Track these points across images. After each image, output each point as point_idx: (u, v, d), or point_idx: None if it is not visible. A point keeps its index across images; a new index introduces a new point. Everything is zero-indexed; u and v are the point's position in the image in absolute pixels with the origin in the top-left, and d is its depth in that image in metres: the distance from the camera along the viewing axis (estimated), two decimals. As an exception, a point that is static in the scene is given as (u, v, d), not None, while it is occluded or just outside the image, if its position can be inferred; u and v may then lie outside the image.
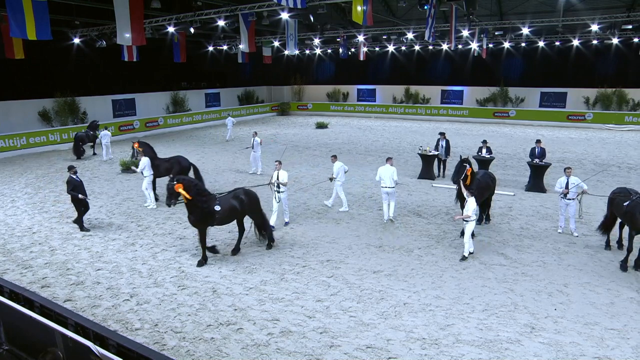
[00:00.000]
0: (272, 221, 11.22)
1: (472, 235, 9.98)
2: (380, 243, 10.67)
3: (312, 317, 7.50)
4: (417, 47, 35.06)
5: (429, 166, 16.72)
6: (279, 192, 11.36)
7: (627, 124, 29.82)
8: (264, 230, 10.22)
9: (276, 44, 31.57)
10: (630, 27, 24.41)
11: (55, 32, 16.36)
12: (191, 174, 12.96)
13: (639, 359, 6.44)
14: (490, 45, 30.39)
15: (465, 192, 9.94)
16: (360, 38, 29.72)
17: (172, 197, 9.07)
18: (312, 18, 21.23)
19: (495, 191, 12.04)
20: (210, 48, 33.57)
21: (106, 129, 21.29)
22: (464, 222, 9.68)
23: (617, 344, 6.75)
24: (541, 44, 31.04)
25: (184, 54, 24.74)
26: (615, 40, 28.01)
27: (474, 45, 30.02)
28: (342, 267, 9.37)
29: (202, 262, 9.47)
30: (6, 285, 4.36)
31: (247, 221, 10.21)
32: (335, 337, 6.94)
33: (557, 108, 32.63)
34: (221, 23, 21.76)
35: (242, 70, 39.75)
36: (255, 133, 17.84)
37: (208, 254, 9.68)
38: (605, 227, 10.18)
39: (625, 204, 9.27)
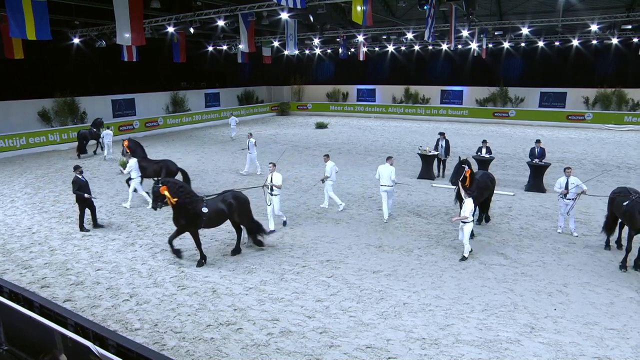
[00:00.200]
0: (272, 226, 11.22)
1: (472, 235, 9.97)
2: (380, 243, 10.67)
3: (311, 317, 7.51)
4: (416, 47, 35.07)
5: (428, 166, 16.73)
6: (272, 194, 11.16)
7: (627, 124, 29.84)
8: (254, 234, 10.04)
9: (276, 44, 31.58)
10: (629, 27, 24.41)
11: (54, 32, 16.35)
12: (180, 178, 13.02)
13: (639, 359, 6.44)
14: (490, 45, 30.40)
15: (463, 193, 9.94)
16: (360, 38, 29.72)
17: (157, 200, 9.01)
18: (311, 18, 21.22)
19: (495, 191, 12.05)
20: (210, 48, 33.58)
21: (108, 128, 21.48)
22: (462, 224, 9.63)
23: (616, 343, 6.76)
24: (541, 44, 31.05)
25: (183, 54, 24.75)
26: (614, 40, 28.02)
27: (473, 45, 30.03)
28: (341, 267, 9.37)
29: (202, 263, 9.45)
30: (6, 286, 4.36)
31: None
32: (335, 337, 6.95)
33: (557, 108, 32.64)
34: (221, 23, 21.76)
35: (241, 70, 39.76)
36: (251, 134, 17.73)
37: (207, 254, 9.68)
38: (608, 227, 10.19)
39: (624, 203, 9.28)
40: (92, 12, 22.66)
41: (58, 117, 24.89)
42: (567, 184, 10.88)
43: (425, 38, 19.45)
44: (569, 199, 10.89)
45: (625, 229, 9.69)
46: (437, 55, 36.40)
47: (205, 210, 9.13)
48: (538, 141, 15.44)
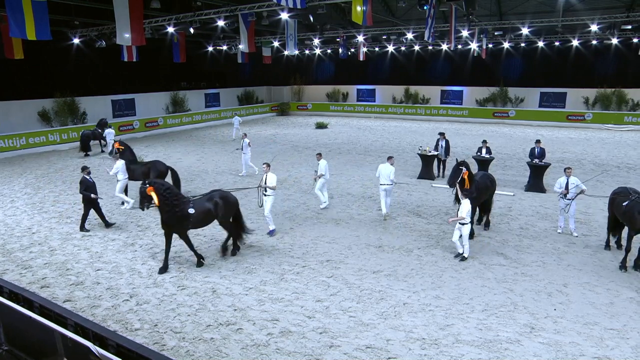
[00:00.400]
0: (271, 226, 11.19)
1: (472, 235, 9.95)
2: (380, 243, 10.67)
3: (311, 317, 7.51)
4: (416, 47, 35.08)
5: (428, 166, 16.73)
6: (265, 195, 10.97)
7: (627, 124, 29.84)
8: (239, 235, 9.87)
9: (276, 44, 31.58)
10: (629, 27, 24.43)
11: (54, 32, 16.36)
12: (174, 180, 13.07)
13: (639, 359, 6.44)
14: (490, 46, 30.41)
15: (460, 195, 9.90)
16: (360, 38, 29.73)
17: (144, 201, 8.91)
18: (311, 18, 21.23)
19: (495, 192, 12.02)
20: (210, 48, 33.59)
21: (110, 127, 21.84)
22: (459, 225, 9.54)
23: (616, 344, 6.76)
24: (541, 44, 31.06)
25: (183, 54, 24.76)
26: (614, 41, 28.03)
27: (473, 46, 30.04)
28: (341, 267, 9.37)
29: (201, 263, 9.42)
30: (6, 286, 4.36)
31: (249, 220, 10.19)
32: (334, 337, 6.95)
33: (557, 108, 32.65)
34: (221, 23, 21.77)
35: (241, 71, 39.77)
36: (245, 135, 17.71)
37: (207, 254, 9.68)
38: (612, 228, 10.17)
39: (624, 204, 9.28)
40: (92, 12, 22.68)
41: (58, 117, 24.90)
42: (567, 184, 10.88)
43: (425, 38, 19.46)
44: (569, 199, 10.89)
45: (626, 229, 9.68)
46: (437, 56, 36.41)
47: (192, 211, 9.01)
48: (538, 141, 15.44)
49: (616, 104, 30.99)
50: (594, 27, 24.85)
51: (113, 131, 21.66)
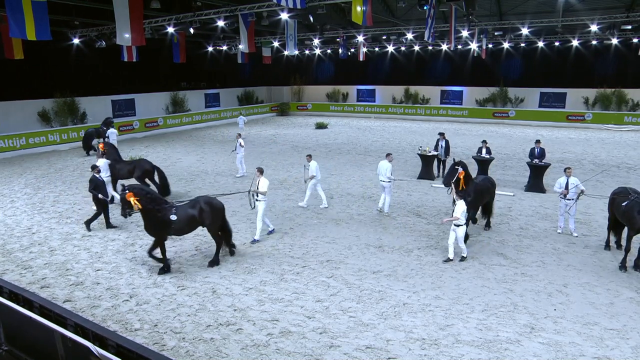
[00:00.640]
0: (270, 226, 11.07)
1: (466, 239, 9.92)
2: (380, 243, 10.67)
3: (311, 317, 7.51)
4: (416, 48, 35.08)
5: (428, 166, 16.73)
6: (257, 200, 10.62)
7: (627, 124, 29.85)
8: (225, 243, 9.62)
9: (276, 44, 31.59)
10: (629, 27, 24.43)
11: (54, 33, 16.36)
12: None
13: (639, 359, 6.44)
14: (490, 46, 30.41)
15: (455, 195, 9.86)
16: (360, 38, 29.74)
17: (126, 207, 8.77)
18: (311, 18, 21.22)
19: (495, 194, 12.00)
20: (210, 48, 33.59)
21: (112, 127, 22.05)
22: (454, 226, 9.48)
23: (616, 344, 6.76)
24: (541, 44, 31.07)
25: (183, 55, 24.76)
26: (614, 41, 28.04)
27: (473, 46, 30.05)
28: (341, 268, 9.37)
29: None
30: (5, 286, 4.36)
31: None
32: (334, 337, 6.95)
33: (557, 108, 32.66)
34: (221, 23, 21.78)
35: (241, 71, 39.76)
36: (239, 135, 17.68)
37: (207, 255, 9.67)
38: (612, 228, 10.17)
39: (623, 204, 9.28)
40: (92, 12, 22.68)
41: (58, 118, 24.91)
42: (567, 184, 10.88)
43: (425, 38, 19.46)
44: (569, 199, 10.89)
45: (626, 229, 9.68)
46: (437, 56, 36.42)
47: (173, 217, 8.79)
48: (538, 141, 15.45)
49: (616, 104, 31.00)
50: (593, 27, 24.86)
51: (116, 131, 21.81)
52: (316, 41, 31.05)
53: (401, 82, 37.71)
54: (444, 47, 33.05)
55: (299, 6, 14.87)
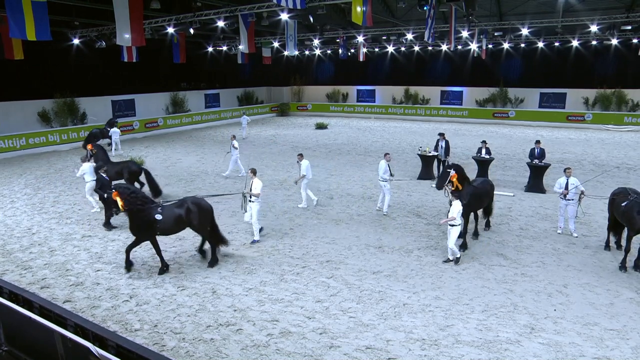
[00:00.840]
0: (256, 235, 10.71)
1: (465, 246, 9.90)
2: (380, 244, 10.67)
3: (311, 317, 7.50)
4: (416, 48, 35.09)
5: (428, 167, 16.74)
6: (251, 201, 10.51)
7: (627, 125, 29.85)
8: (212, 247, 9.47)
9: (276, 44, 31.58)
10: (629, 27, 24.44)
11: (54, 33, 16.35)
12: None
13: (639, 360, 6.45)
14: (490, 46, 30.42)
15: (450, 197, 9.84)
16: (360, 39, 29.74)
17: (112, 206, 8.79)
18: (311, 19, 21.21)
19: (495, 192, 11.99)
20: (210, 49, 33.58)
21: (115, 126, 22.42)
22: (449, 227, 9.46)
23: (616, 344, 6.76)
24: (540, 44, 31.08)
25: (183, 55, 24.77)
26: (614, 41, 28.04)
27: (473, 46, 30.05)
28: (341, 268, 9.37)
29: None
30: (5, 286, 4.36)
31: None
32: (334, 337, 6.94)
33: (557, 109, 32.66)
34: (221, 24, 21.77)
35: (241, 71, 39.75)
36: (234, 136, 17.69)
37: (207, 255, 9.65)
38: (612, 229, 10.17)
39: (623, 204, 9.28)
40: (92, 12, 22.66)
41: (58, 118, 24.90)
42: (567, 184, 10.88)
43: (425, 39, 19.46)
44: (569, 199, 10.89)
45: (626, 229, 9.68)
46: (437, 56, 36.42)
47: (158, 217, 8.75)
48: (538, 142, 15.45)
49: (616, 104, 31.00)
50: (593, 28, 24.86)
51: (118, 131, 22.31)
52: (316, 41, 31.05)
53: (401, 82, 37.72)
54: (444, 47, 33.05)
55: (298, 6, 14.87)
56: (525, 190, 15.04)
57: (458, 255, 9.58)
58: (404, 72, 37.93)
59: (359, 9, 15.15)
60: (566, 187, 10.87)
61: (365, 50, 32.07)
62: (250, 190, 10.45)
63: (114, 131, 22.01)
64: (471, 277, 8.92)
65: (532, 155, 15.13)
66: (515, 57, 33.83)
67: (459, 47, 31.37)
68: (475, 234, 10.99)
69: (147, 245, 10.60)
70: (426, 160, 16.75)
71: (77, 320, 3.73)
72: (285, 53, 31.19)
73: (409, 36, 28.70)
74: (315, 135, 28.10)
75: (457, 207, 9.35)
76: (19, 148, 22.11)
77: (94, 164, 13.32)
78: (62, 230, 11.63)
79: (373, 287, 8.55)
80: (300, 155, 13.36)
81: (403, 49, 35.70)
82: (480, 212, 11.24)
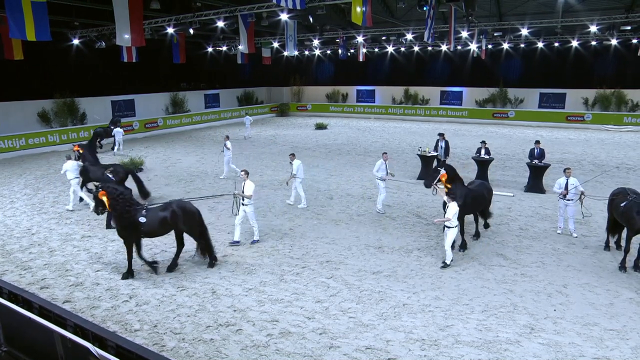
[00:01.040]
0: (237, 236, 10.53)
1: (465, 247, 9.86)
2: (380, 244, 10.67)
3: (311, 318, 7.50)
4: (416, 48, 35.09)
5: (428, 167, 16.67)
6: (243, 203, 10.31)
7: (626, 125, 29.86)
8: (205, 249, 9.38)
9: (275, 44, 31.58)
10: (628, 28, 24.48)
11: (54, 33, 16.33)
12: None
13: (638, 360, 6.45)
14: (490, 46, 30.43)
15: (445, 197, 9.83)
16: (360, 39, 29.74)
17: (98, 205, 8.77)
18: (311, 19, 21.22)
19: (495, 192, 11.99)
20: (210, 49, 33.58)
21: (119, 126, 22.63)
22: (446, 229, 9.43)
23: (616, 344, 6.76)
24: (540, 44, 31.08)
25: (183, 55, 24.77)
26: (614, 41, 28.05)
27: (473, 46, 30.05)
28: (341, 268, 9.37)
29: (127, 276, 8.92)
30: (5, 287, 4.35)
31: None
32: (334, 338, 6.94)
33: (556, 109, 32.67)
34: (220, 24, 21.77)
35: (241, 71, 39.75)
36: (227, 137, 17.61)
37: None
38: (611, 229, 10.16)
39: (622, 204, 9.28)
40: (92, 13, 22.66)
41: (58, 118, 24.90)
42: (566, 184, 10.88)
43: (425, 39, 19.45)
44: (569, 200, 10.90)
45: (625, 229, 9.68)
46: (437, 56, 36.41)
47: (142, 220, 8.71)
48: (537, 142, 15.46)
49: (615, 104, 31.01)
50: (593, 28, 24.88)
51: (122, 130, 22.44)
52: (316, 42, 31.04)
53: (401, 82, 37.72)
54: (444, 47, 33.04)
55: (298, 7, 14.86)
56: (525, 191, 15.04)
57: (448, 261, 9.37)
58: (403, 73, 37.93)
59: (358, 9, 15.15)
60: (566, 188, 10.88)
61: (365, 50, 32.07)
62: (243, 192, 10.26)
63: (117, 131, 22.13)
64: (471, 277, 8.92)
65: (531, 155, 15.13)
66: (515, 57, 33.84)
67: (459, 47, 31.35)
68: (476, 235, 10.98)
69: (147, 245, 10.61)
70: (426, 161, 16.73)
71: (77, 321, 3.73)
72: (285, 53, 31.17)
73: (409, 36, 28.70)
74: (315, 136, 28.10)
75: (453, 208, 9.32)
76: (18, 148, 22.10)
77: (80, 163, 13.41)
78: (62, 231, 11.63)
79: (373, 287, 8.55)
80: (292, 155, 13.44)
81: (403, 49, 35.70)
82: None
